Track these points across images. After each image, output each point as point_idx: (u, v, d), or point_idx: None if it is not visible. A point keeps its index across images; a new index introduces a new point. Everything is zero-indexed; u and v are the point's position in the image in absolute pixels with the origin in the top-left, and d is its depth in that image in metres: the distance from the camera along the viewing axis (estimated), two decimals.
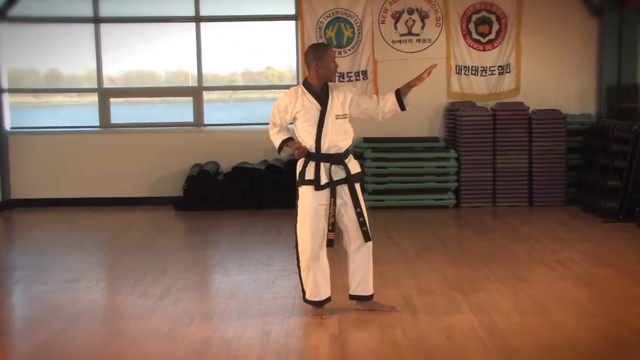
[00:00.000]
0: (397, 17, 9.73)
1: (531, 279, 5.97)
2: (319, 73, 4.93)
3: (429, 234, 7.79)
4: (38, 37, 9.98)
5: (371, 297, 5.15)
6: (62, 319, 5.17)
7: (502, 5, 9.71)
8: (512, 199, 9.32)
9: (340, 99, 4.95)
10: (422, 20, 9.74)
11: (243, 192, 9.24)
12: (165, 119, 10.39)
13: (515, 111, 9.35)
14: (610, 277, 6.00)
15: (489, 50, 9.78)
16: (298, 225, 4.98)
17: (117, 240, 7.86)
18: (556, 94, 9.77)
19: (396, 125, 9.18)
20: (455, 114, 9.47)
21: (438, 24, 9.75)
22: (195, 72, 10.02)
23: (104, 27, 9.89)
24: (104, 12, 9.85)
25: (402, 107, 5.01)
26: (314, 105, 4.91)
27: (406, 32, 9.76)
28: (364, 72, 9.72)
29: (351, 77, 9.70)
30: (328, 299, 5.09)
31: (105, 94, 10.01)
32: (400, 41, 9.75)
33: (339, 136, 4.94)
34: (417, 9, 9.73)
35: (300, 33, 9.72)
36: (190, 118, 10.08)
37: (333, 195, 4.90)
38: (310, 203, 4.91)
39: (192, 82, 10.16)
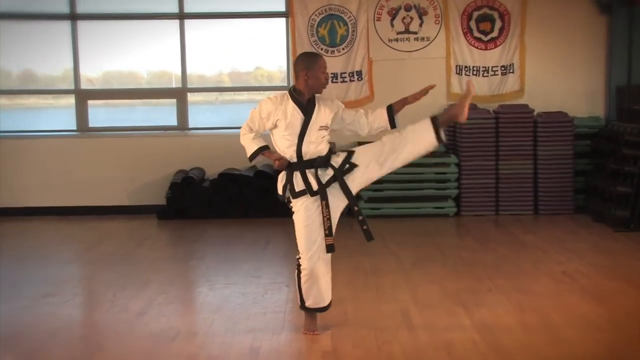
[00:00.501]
0: (393, 14, 9.76)
1: (536, 292, 5.97)
2: (308, 83, 4.98)
3: (427, 244, 7.80)
4: (11, 35, 9.95)
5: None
6: (39, 335, 5.15)
7: (505, 2, 9.74)
8: (516, 207, 9.33)
9: (326, 111, 5.01)
10: (420, 18, 9.77)
11: (230, 199, 9.24)
12: (147, 122, 10.38)
13: (519, 114, 9.37)
14: (621, 290, 6.01)
15: (491, 49, 9.81)
16: (296, 235, 5.01)
17: (95, 251, 7.84)
18: (563, 95, 9.81)
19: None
20: None
21: (437, 22, 9.78)
22: (179, 73, 10.02)
23: (82, 25, 9.89)
24: (81, 8, 9.84)
25: (393, 125, 5.09)
26: (298, 115, 4.95)
27: (403, 30, 9.78)
28: (359, 73, 9.73)
29: (345, 77, 9.71)
30: (329, 305, 5.11)
31: (82, 96, 10.00)
32: (397, 39, 9.77)
33: (320, 145, 4.99)
34: (414, 6, 9.76)
35: (291, 31, 9.73)
36: (173, 121, 10.08)
37: (324, 197, 4.91)
38: (304, 213, 4.94)
39: (175, 83, 10.16)
